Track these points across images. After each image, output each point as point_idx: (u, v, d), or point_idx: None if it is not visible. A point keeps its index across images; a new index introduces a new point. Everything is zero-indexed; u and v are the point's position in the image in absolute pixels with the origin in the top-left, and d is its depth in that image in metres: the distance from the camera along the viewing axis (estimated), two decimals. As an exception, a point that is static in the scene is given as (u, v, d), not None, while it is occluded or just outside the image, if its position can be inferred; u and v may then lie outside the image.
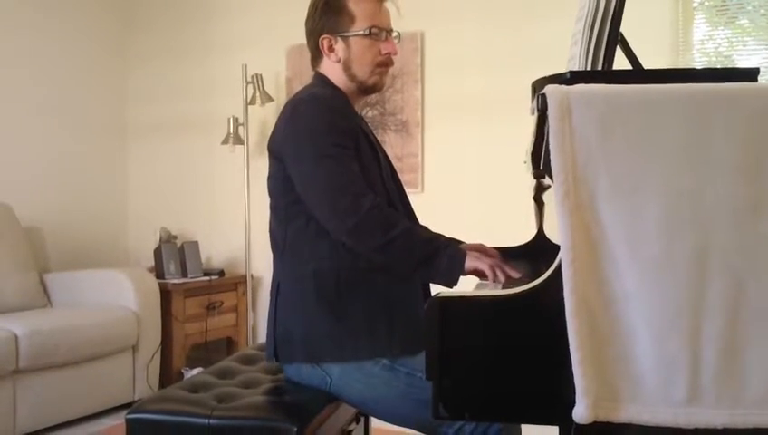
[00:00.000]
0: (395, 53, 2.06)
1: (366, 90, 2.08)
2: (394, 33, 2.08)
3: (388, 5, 2.07)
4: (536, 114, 1.50)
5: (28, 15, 4.54)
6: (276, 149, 1.99)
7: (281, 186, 1.98)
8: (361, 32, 2.01)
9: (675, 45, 3.69)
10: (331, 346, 1.90)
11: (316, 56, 2.10)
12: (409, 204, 2.18)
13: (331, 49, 2.04)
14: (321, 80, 2.08)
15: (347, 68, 2.04)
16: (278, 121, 2.01)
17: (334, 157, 1.86)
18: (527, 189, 2.36)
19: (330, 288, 1.91)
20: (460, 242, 2.25)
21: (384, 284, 1.91)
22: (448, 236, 2.27)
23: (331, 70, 2.06)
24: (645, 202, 1.27)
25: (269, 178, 2.04)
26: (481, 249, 2.18)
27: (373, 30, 2.01)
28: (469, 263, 1.81)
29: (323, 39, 2.04)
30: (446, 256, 1.81)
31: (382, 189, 1.99)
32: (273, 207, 2.05)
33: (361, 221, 1.80)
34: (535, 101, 1.39)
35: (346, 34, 2.02)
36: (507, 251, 2.23)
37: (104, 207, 5.01)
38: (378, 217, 1.81)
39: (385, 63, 2.06)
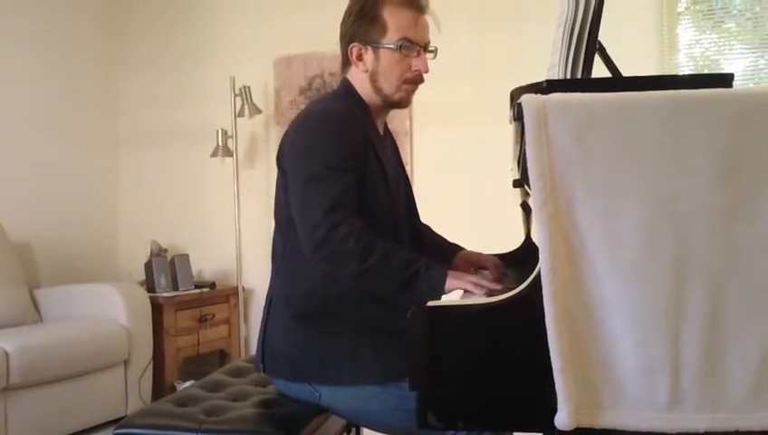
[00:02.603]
0: (425, 71, 1.97)
1: (391, 104, 2.00)
2: (431, 47, 1.99)
3: (428, 19, 1.98)
4: (515, 123, 1.52)
5: (16, 27, 4.52)
6: (281, 162, 1.96)
7: (283, 198, 1.94)
8: (392, 45, 1.92)
9: (660, 50, 3.71)
10: (315, 369, 1.88)
11: (345, 62, 2.02)
12: (416, 220, 2.16)
13: (359, 58, 1.97)
14: (344, 87, 2.02)
15: (373, 80, 1.96)
16: (286, 133, 1.97)
17: (323, 180, 1.80)
18: (515, 197, 2.36)
19: (318, 311, 1.89)
20: (460, 249, 2.25)
21: (374, 313, 1.86)
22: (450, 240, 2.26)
23: (358, 79, 1.99)
24: (623, 208, 1.28)
25: (276, 187, 2.00)
26: (476, 259, 2.18)
27: (404, 44, 1.92)
28: (450, 283, 1.75)
29: (353, 47, 1.96)
30: (426, 278, 1.74)
31: (386, 207, 1.95)
32: (275, 218, 2.01)
33: (335, 251, 1.75)
34: (513, 111, 1.40)
35: (376, 45, 1.94)
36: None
37: (94, 222, 5.00)
38: (353, 247, 1.74)
39: (414, 80, 1.97)
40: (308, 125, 1.90)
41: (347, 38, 1.98)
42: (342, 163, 1.83)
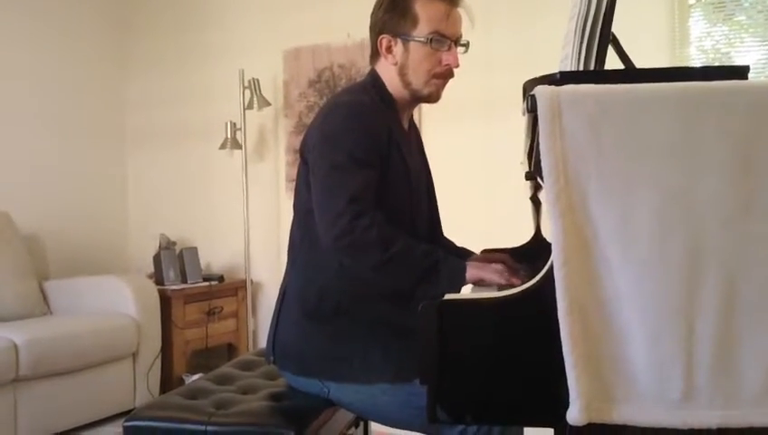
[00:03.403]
0: (456, 66, 1.92)
1: (420, 99, 1.98)
2: (462, 41, 1.95)
3: (461, 12, 1.94)
4: (528, 115, 1.50)
5: (26, 24, 4.55)
6: (305, 152, 1.93)
7: (304, 189, 1.91)
8: (422, 38, 1.88)
9: (671, 42, 3.68)
10: (325, 365, 1.87)
11: (374, 54, 1.98)
12: (437, 218, 2.14)
13: (389, 50, 1.93)
14: (372, 79, 1.98)
15: (402, 73, 1.93)
16: (311, 124, 1.94)
17: (347, 170, 1.77)
18: (524, 190, 2.35)
19: (330, 308, 1.87)
20: (470, 253, 2.21)
21: (386, 312, 1.84)
22: (458, 244, 2.23)
23: (386, 71, 1.96)
24: (636, 202, 1.26)
25: (297, 178, 1.98)
26: (488, 258, 2.15)
27: (435, 37, 1.87)
28: (471, 273, 1.74)
29: (382, 38, 1.93)
30: (446, 269, 1.73)
31: (407, 203, 1.93)
32: (295, 208, 1.99)
33: (357, 240, 1.72)
34: (525, 103, 1.39)
35: (406, 38, 1.89)
36: (506, 253, 2.23)
37: (103, 214, 5.01)
38: (374, 237, 1.72)
39: (443, 75, 1.93)
40: (334, 115, 1.86)
41: (376, 29, 1.94)
42: (365, 156, 1.80)
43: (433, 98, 1.97)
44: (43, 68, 4.65)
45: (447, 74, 1.94)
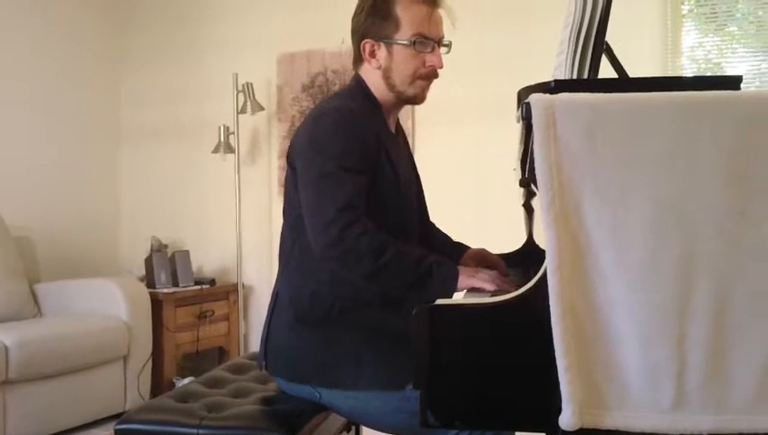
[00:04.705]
0: (440, 67, 1.92)
1: (405, 100, 1.97)
2: (445, 42, 1.95)
3: (442, 13, 1.94)
4: (522, 123, 1.51)
5: (21, 20, 4.53)
6: (292, 159, 1.92)
7: (293, 194, 1.91)
8: (405, 41, 1.88)
9: (663, 52, 3.71)
10: (317, 371, 1.87)
11: (357, 59, 1.98)
12: (427, 220, 2.15)
13: (372, 54, 1.93)
14: (357, 84, 1.98)
15: (387, 77, 1.93)
16: (299, 130, 1.93)
17: (336, 178, 1.77)
18: (517, 196, 2.36)
19: (322, 314, 1.86)
20: (466, 248, 2.23)
21: (378, 318, 1.84)
22: (454, 239, 2.25)
23: (371, 76, 1.95)
24: (630, 209, 1.28)
25: (285, 184, 1.97)
26: (483, 255, 2.17)
27: (418, 40, 1.88)
28: (463, 282, 1.74)
29: (365, 43, 1.93)
30: (439, 276, 1.73)
31: (397, 208, 1.92)
32: (285, 213, 1.99)
33: (349, 250, 1.72)
34: (520, 110, 1.40)
35: (389, 41, 1.89)
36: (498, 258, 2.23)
37: (95, 217, 4.99)
38: (365, 246, 1.72)
39: (428, 76, 1.93)
40: (321, 122, 1.86)
41: (359, 34, 1.94)
42: (355, 163, 1.80)
43: (419, 99, 1.97)
44: (37, 66, 4.62)
45: (432, 75, 1.95)
